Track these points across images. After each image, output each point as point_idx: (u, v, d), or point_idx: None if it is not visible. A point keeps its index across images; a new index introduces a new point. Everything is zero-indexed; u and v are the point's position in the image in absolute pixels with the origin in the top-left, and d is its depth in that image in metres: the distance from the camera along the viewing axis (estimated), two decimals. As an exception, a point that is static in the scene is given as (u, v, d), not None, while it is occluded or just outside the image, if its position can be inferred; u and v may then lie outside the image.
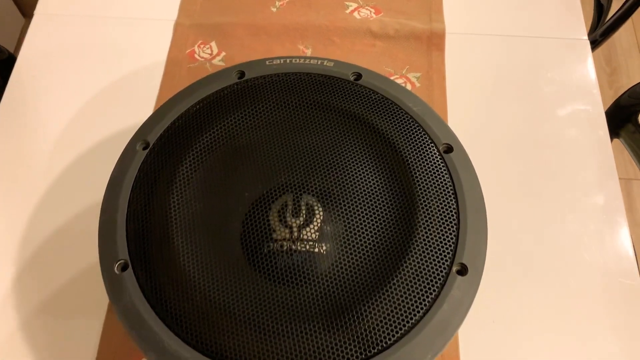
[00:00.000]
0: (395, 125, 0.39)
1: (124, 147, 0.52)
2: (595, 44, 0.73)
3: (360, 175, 0.37)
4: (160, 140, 0.39)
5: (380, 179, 0.37)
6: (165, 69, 0.57)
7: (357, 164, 0.38)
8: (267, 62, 0.42)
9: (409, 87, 0.57)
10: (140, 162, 0.38)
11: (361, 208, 0.36)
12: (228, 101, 0.40)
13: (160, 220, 0.36)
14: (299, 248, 0.36)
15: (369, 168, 0.38)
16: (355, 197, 0.36)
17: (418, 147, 0.39)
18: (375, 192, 0.37)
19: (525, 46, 0.59)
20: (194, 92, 0.41)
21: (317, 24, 0.59)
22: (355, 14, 0.61)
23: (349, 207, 0.36)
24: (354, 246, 0.35)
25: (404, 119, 0.40)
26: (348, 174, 0.37)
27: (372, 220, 0.36)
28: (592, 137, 0.54)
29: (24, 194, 0.50)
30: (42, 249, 0.48)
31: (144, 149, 0.39)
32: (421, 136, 0.39)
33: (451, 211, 0.36)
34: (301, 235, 0.36)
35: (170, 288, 0.34)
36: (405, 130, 0.39)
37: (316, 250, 0.36)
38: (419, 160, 0.38)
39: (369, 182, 0.37)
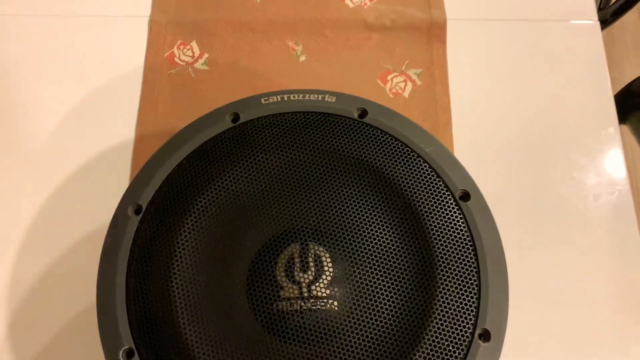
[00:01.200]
0: (406, 170, 0.36)
1: (106, 175, 0.49)
2: (605, 24, 0.68)
3: (369, 227, 0.35)
4: (153, 203, 0.35)
5: (391, 231, 0.35)
6: (144, 77, 0.52)
7: (366, 216, 0.35)
8: (262, 101, 0.38)
9: (409, 86, 0.53)
10: (135, 231, 0.35)
11: (372, 261, 0.34)
12: (223, 152, 0.37)
13: (163, 299, 0.33)
14: (309, 307, 0.34)
15: (379, 219, 0.35)
16: (365, 250, 0.34)
17: (432, 196, 0.36)
18: (387, 245, 0.35)
19: (533, 31, 0.55)
20: (184, 142, 0.37)
21: (307, 16, 0.54)
22: (348, 1, 0.55)
23: (359, 260, 0.34)
24: (367, 305, 0.33)
25: (415, 163, 0.37)
26: (356, 226, 0.35)
27: (385, 275, 0.34)
28: (602, 134, 0.51)
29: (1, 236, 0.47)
30: (32, 295, 0.45)
31: (137, 213, 0.35)
32: (435, 183, 0.36)
33: (471, 269, 0.34)
34: (311, 292, 0.34)
35: (181, 374, 0.32)
36: (417, 176, 0.36)
37: (328, 307, 0.34)
38: (433, 211, 0.36)
39: (380, 234, 0.35)
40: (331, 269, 0.35)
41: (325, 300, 0.34)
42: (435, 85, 0.52)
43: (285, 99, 0.38)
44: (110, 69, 0.53)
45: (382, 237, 0.35)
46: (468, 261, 0.34)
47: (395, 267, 0.34)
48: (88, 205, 0.48)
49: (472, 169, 0.40)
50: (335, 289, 0.33)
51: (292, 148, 0.37)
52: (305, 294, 0.34)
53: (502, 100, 0.53)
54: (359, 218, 0.35)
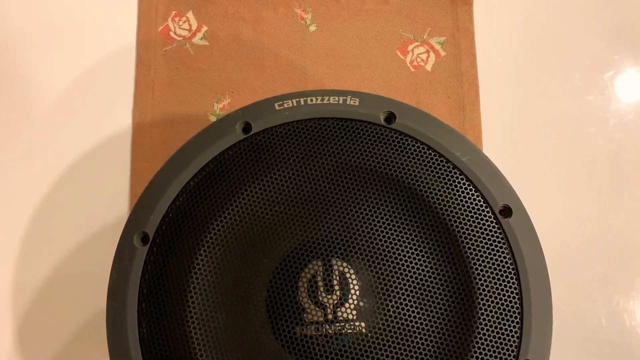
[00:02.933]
0: (440, 184, 0.33)
1: (104, 171, 0.45)
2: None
3: (399, 246, 0.32)
4: (161, 231, 0.32)
5: (424, 251, 0.32)
6: (137, 57, 0.47)
7: (394, 234, 0.32)
8: (276, 106, 0.34)
9: (432, 57, 0.48)
10: (143, 263, 0.32)
11: (403, 282, 0.32)
12: (235, 170, 0.32)
13: (180, 339, 0.31)
14: (336, 331, 0.32)
15: (410, 238, 0.32)
16: (395, 271, 0.32)
17: (469, 212, 0.32)
18: (420, 266, 0.32)
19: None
20: (190, 160, 0.33)
21: (316, -22, 0.48)
22: (361, -42, 0.49)
23: (388, 280, 0.32)
24: (399, 330, 0.31)
25: (450, 175, 0.33)
26: (384, 245, 0.32)
27: (418, 299, 0.31)
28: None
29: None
30: (34, 303, 0.43)
31: (144, 242, 0.32)
32: (472, 197, 0.33)
33: (513, 295, 0.32)
34: (337, 315, 0.32)
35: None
36: (452, 190, 0.33)
37: (356, 330, 0.32)
38: (470, 229, 0.32)
39: (410, 254, 0.32)
40: (358, 289, 0.32)
41: (353, 324, 0.31)
42: (461, 56, 0.47)
43: (302, 103, 0.34)
44: (98, 48, 0.47)
45: (414, 257, 0.32)
46: (509, 286, 0.32)
47: (429, 290, 0.31)
48: (86, 204, 0.44)
49: (502, 153, 0.36)
50: (363, 311, 0.31)
51: (311, 162, 0.33)
52: (331, 317, 0.31)
53: (538, 72, 0.47)
54: (387, 236, 0.32)
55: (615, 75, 0.47)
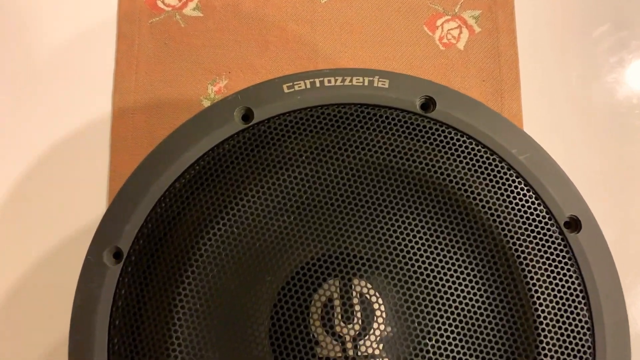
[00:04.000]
0: (491, 189, 0.26)
1: (76, 167, 0.38)
2: None
3: (437, 265, 0.26)
4: (138, 246, 0.25)
5: (470, 271, 0.26)
6: (118, 30, 0.40)
7: (432, 249, 0.26)
8: (285, 88, 0.27)
9: (465, 34, 0.40)
10: (115, 287, 0.25)
11: (442, 309, 0.25)
12: (232, 169, 0.26)
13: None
14: None
15: (452, 254, 0.26)
16: (432, 295, 0.25)
17: (528, 225, 0.26)
18: (464, 289, 0.26)
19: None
20: (175, 156, 0.26)
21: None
22: None
23: (422, 306, 0.25)
24: None
25: (504, 178, 0.26)
26: (418, 262, 0.26)
27: (462, 329, 0.25)
28: None
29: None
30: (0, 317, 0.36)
31: (116, 259, 0.25)
32: (532, 206, 0.26)
33: (584, 332, 0.25)
34: (358, 350, 0.25)
35: None
36: (507, 198, 0.26)
37: None
38: (529, 247, 0.25)
39: (452, 273, 0.26)
40: (384, 316, 0.26)
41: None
42: (499, 33, 0.40)
43: (318, 84, 0.27)
44: (73, 20, 0.40)
45: (456, 278, 0.26)
46: (579, 320, 0.25)
47: (476, 320, 0.25)
48: (57, 205, 0.37)
49: (547, 146, 0.29)
50: (390, 344, 0.25)
51: (328, 158, 0.26)
52: (351, 353, 0.26)
53: (590, 52, 0.40)
54: (423, 250, 0.26)
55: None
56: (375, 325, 0.26)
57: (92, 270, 0.26)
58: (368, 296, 0.26)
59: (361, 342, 0.26)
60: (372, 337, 0.26)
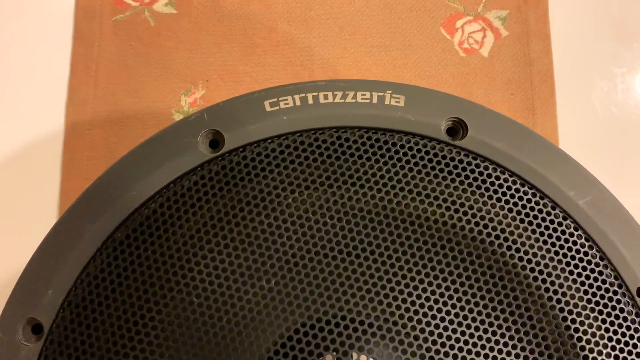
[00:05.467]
0: (541, 244, 0.19)
1: (20, 193, 0.31)
2: None
3: (470, 341, 0.20)
4: (63, 319, 0.19)
5: (514, 354, 0.19)
6: (75, 28, 0.34)
7: (463, 320, 0.20)
8: (267, 106, 0.20)
9: (490, 38, 0.34)
10: (30, 376, 0.18)
11: None
12: (192, 214, 0.19)
13: None
14: None
15: (491, 329, 0.20)
16: None
17: (590, 292, 0.19)
18: None
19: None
20: (117, 194, 0.19)
21: None
22: None
23: None
24: None
25: (559, 230, 0.19)
26: (445, 336, 0.20)
27: None
28: None
29: None
30: None
31: (36, 335, 0.18)
32: (597, 269, 0.19)
33: None
34: None
35: None
36: (562, 257, 0.19)
37: None
38: (593, 323, 0.19)
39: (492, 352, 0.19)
40: None
41: None
42: (530, 37, 0.35)
43: (311, 101, 0.20)
44: (21, 15, 0.33)
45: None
46: None
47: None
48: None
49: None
50: None
51: (323, 204, 0.20)
52: None
53: (636, 60, 0.34)
54: (449, 321, 0.20)
55: None
56: None
57: (1, 351, 0.19)
58: None
59: None
60: None
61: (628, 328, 0.20)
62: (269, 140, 0.20)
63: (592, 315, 0.20)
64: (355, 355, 0.20)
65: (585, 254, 0.20)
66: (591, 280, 0.20)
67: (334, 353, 0.20)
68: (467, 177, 0.20)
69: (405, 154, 0.21)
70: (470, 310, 0.20)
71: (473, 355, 0.19)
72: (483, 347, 0.20)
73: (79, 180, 0.33)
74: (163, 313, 0.19)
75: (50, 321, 0.19)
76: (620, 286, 0.20)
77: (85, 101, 0.34)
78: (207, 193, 0.20)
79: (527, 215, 0.20)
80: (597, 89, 0.35)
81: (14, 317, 0.19)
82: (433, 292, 0.20)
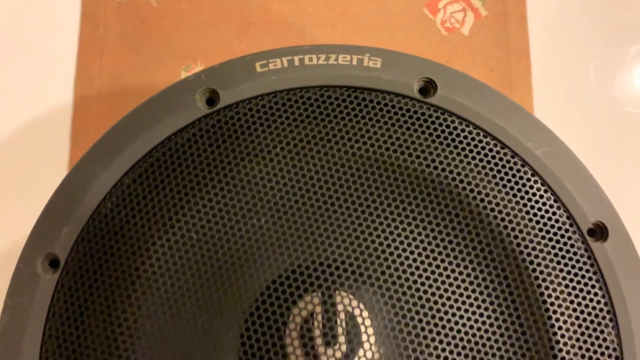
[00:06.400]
0: (502, 189, 0.22)
1: (31, 163, 0.34)
2: None
3: (437, 277, 0.22)
4: (77, 252, 0.21)
5: (476, 286, 0.22)
6: (82, 9, 0.36)
7: (431, 259, 0.22)
8: (258, 67, 0.22)
9: (470, 18, 0.36)
10: (49, 302, 0.21)
11: (442, 331, 0.21)
12: (192, 163, 0.21)
13: None
14: None
15: (455, 265, 0.22)
16: (429, 308, 0.22)
17: (545, 232, 0.22)
18: (469, 307, 0.22)
19: None
20: (124, 145, 0.21)
21: None
22: None
23: (419, 325, 0.21)
24: None
25: (518, 176, 0.22)
26: (414, 274, 0.22)
27: (464, 356, 0.21)
28: None
29: None
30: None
31: (53, 268, 0.21)
32: (551, 210, 0.22)
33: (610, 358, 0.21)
34: None
35: None
36: (520, 199, 0.22)
37: None
38: (547, 258, 0.21)
39: (454, 288, 0.22)
40: (373, 339, 0.22)
41: None
42: (508, 17, 0.36)
43: (297, 63, 0.23)
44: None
45: (460, 295, 0.22)
46: (605, 347, 0.21)
47: (482, 347, 0.21)
48: (7, 205, 0.33)
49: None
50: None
51: (307, 151, 0.22)
52: None
53: (606, 39, 0.36)
54: (420, 261, 0.22)
55: None
56: (362, 348, 0.22)
57: (23, 280, 0.22)
58: (354, 313, 0.22)
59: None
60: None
61: (577, 261, 0.22)
62: (260, 98, 0.23)
63: (546, 250, 0.22)
64: (339, 295, 0.23)
65: (541, 197, 0.22)
66: (546, 220, 0.22)
67: (320, 293, 0.23)
68: (435, 129, 0.23)
69: (381, 110, 0.23)
70: (440, 252, 0.22)
71: (448, 292, 0.22)
72: (451, 282, 0.22)
73: (86, 148, 0.35)
74: (165, 247, 0.21)
75: (66, 255, 0.22)
76: (572, 225, 0.22)
77: (92, 77, 0.36)
78: (205, 143, 0.22)
79: (488, 162, 0.22)
80: (570, 66, 0.37)
81: (33, 252, 0.22)
82: (408, 235, 0.22)
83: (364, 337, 0.22)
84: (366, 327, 0.22)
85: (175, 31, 0.37)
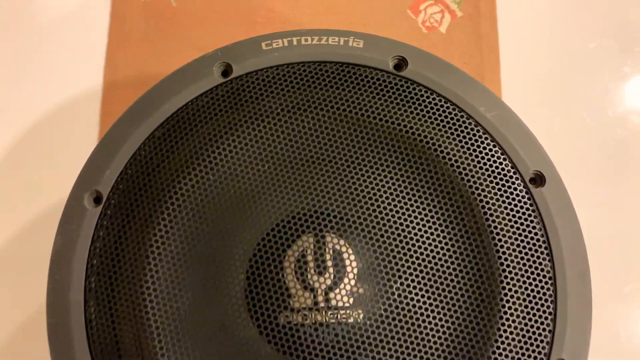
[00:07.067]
0: (459, 144, 0.27)
1: (67, 134, 0.39)
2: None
3: (407, 218, 0.26)
4: (117, 190, 0.26)
5: (438, 225, 0.26)
6: (112, 8, 0.41)
7: (402, 203, 0.27)
8: (263, 46, 0.28)
9: (447, 18, 0.42)
10: (94, 228, 0.26)
11: (411, 263, 0.26)
12: (210, 120, 0.27)
13: (135, 323, 0.25)
14: (328, 320, 0.26)
15: (422, 208, 0.27)
16: (402, 248, 0.26)
17: (494, 179, 0.27)
18: (433, 243, 0.26)
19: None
20: (156, 106, 0.27)
21: None
22: None
23: (392, 260, 0.26)
24: (404, 320, 0.25)
25: (472, 133, 0.27)
26: (389, 216, 0.26)
27: (428, 283, 0.26)
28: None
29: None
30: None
31: (96, 203, 0.26)
32: (498, 161, 0.27)
33: (545, 280, 0.26)
34: (329, 301, 0.26)
35: None
36: (473, 152, 0.27)
37: (352, 319, 0.26)
38: (494, 199, 0.27)
39: (422, 227, 0.26)
40: (355, 270, 0.26)
41: (347, 312, 0.26)
42: (480, 17, 0.41)
43: (295, 43, 0.28)
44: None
45: (426, 231, 0.26)
46: (541, 269, 0.26)
47: (443, 273, 0.26)
48: (44, 175, 0.38)
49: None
50: (361, 297, 0.26)
51: (304, 113, 0.27)
52: (322, 304, 0.26)
53: (567, 36, 0.42)
54: (394, 204, 0.26)
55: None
56: (346, 278, 0.26)
57: (72, 213, 0.27)
58: (340, 250, 0.26)
59: (332, 294, 0.27)
60: (343, 289, 0.27)
61: (520, 202, 0.27)
62: (265, 70, 0.28)
63: (495, 193, 0.27)
64: (329, 236, 0.27)
65: (491, 150, 0.27)
66: (495, 170, 0.27)
67: (314, 235, 0.27)
68: (406, 97, 0.28)
69: (362, 80, 0.28)
70: (410, 198, 0.27)
71: (415, 230, 0.27)
72: (418, 222, 0.27)
73: (114, 126, 0.40)
74: (188, 185, 0.26)
75: (108, 192, 0.27)
76: (515, 173, 0.27)
77: (119, 66, 0.41)
78: (219, 105, 0.28)
79: (448, 123, 0.27)
80: (535, 58, 0.43)
81: (81, 190, 0.27)
82: (383, 186, 0.26)
83: (349, 269, 0.27)
84: (351, 261, 0.27)
85: (191, 27, 0.42)
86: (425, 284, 0.26)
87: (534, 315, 0.26)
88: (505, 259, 0.26)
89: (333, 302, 0.26)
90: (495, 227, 0.26)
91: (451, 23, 0.42)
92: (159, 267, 0.25)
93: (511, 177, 0.27)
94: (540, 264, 0.26)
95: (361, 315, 0.26)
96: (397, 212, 0.26)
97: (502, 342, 0.25)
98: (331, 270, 0.27)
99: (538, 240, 0.26)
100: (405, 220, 0.26)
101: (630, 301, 0.38)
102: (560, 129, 0.41)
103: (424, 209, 0.27)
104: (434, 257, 0.26)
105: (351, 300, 0.26)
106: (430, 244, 0.26)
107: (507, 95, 0.41)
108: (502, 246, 0.26)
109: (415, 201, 0.27)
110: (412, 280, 0.26)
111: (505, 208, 0.27)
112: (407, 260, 0.26)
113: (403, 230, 0.26)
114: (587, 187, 0.40)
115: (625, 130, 0.41)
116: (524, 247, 0.26)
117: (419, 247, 0.26)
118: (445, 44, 0.42)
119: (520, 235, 0.26)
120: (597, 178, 0.40)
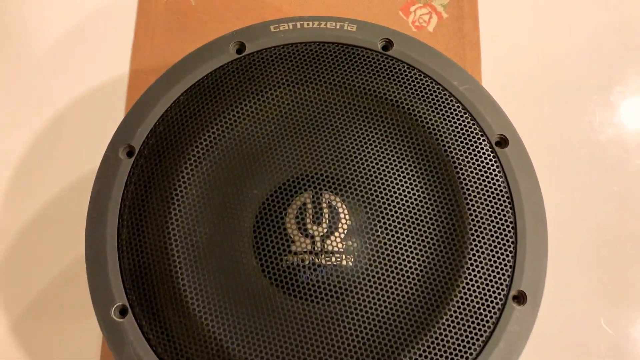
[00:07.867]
0: (436, 111, 0.32)
1: (98, 114, 0.44)
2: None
3: (392, 175, 0.31)
4: (147, 145, 0.31)
5: (417, 180, 0.31)
6: (139, 5, 0.47)
7: (388, 162, 0.31)
8: (272, 28, 0.33)
9: (434, 19, 0.47)
10: (127, 176, 0.31)
11: (394, 213, 0.30)
12: (226, 88, 0.32)
13: (159, 252, 0.29)
14: (323, 262, 0.30)
15: (404, 166, 0.31)
16: (387, 201, 0.30)
17: (464, 141, 0.31)
18: (412, 196, 0.31)
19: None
20: (182, 76, 0.32)
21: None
22: None
23: (379, 211, 0.30)
24: (387, 262, 0.30)
25: (446, 103, 0.32)
26: (377, 174, 0.31)
27: (408, 229, 0.30)
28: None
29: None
30: (18, 244, 0.42)
31: (129, 155, 0.31)
32: (468, 126, 0.32)
33: (507, 224, 0.31)
34: (325, 246, 0.30)
35: (180, 336, 0.28)
36: (448, 118, 0.32)
37: (343, 262, 0.30)
38: (465, 158, 0.31)
39: (404, 183, 0.31)
40: (347, 221, 0.31)
41: (340, 255, 0.30)
42: (464, 18, 0.46)
43: (298, 26, 0.33)
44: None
45: (407, 187, 0.31)
46: (504, 215, 0.31)
47: (421, 220, 0.30)
48: (78, 146, 0.43)
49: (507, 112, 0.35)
50: (351, 243, 0.30)
51: (305, 84, 0.32)
52: (318, 248, 0.30)
53: (540, 36, 0.47)
54: (381, 164, 0.31)
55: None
56: (340, 228, 0.31)
57: (109, 163, 0.31)
58: (334, 204, 0.31)
59: (327, 240, 0.31)
60: (336, 237, 0.31)
61: (486, 160, 0.32)
62: (273, 48, 0.33)
63: (465, 153, 0.32)
64: (325, 193, 0.32)
65: (462, 116, 0.32)
66: (466, 133, 0.32)
67: (313, 192, 0.31)
68: (392, 72, 0.33)
69: (354, 58, 0.33)
70: (393, 158, 0.32)
71: (398, 185, 0.31)
72: (398, 180, 0.31)
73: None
74: (208, 140, 0.31)
75: (140, 146, 0.32)
76: (482, 136, 0.32)
77: (144, 56, 0.47)
78: (235, 76, 0.33)
79: (426, 94, 0.32)
80: (513, 55, 0.48)
81: (117, 144, 0.32)
82: (372, 149, 0.31)
83: (342, 221, 0.32)
84: (345, 214, 0.32)
85: (208, 23, 0.48)
86: (405, 230, 0.30)
87: (497, 253, 0.30)
88: (474, 208, 0.31)
89: (328, 247, 0.31)
90: (466, 183, 0.31)
91: (438, 23, 0.47)
92: (182, 207, 0.30)
93: (479, 139, 0.32)
94: (502, 210, 0.31)
95: (351, 259, 0.31)
96: (383, 171, 0.31)
97: (470, 275, 0.30)
98: (326, 220, 0.31)
99: (501, 191, 0.31)
100: (389, 178, 0.31)
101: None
102: (538, 121, 0.46)
103: (405, 168, 0.31)
104: (413, 209, 0.31)
105: (343, 246, 0.31)
106: (410, 198, 0.31)
107: (487, 89, 0.46)
108: (471, 197, 0.31)
109: (399, 162, 0.31)
110: (395, 227, 0.30)
111: (474, 165, 0.31)
112: (390, 212, 0.31)
113: (387, 187, 0.31)
114: (567, 180, 0.44)
115: (605, 126, 0.45)
116: (490, 198, 0.31)
117: (401, 200, 0.31)
118: (432, 42, 0.47)
119: (486, 187, 0.31)
120: (573, 173, 0.45)
